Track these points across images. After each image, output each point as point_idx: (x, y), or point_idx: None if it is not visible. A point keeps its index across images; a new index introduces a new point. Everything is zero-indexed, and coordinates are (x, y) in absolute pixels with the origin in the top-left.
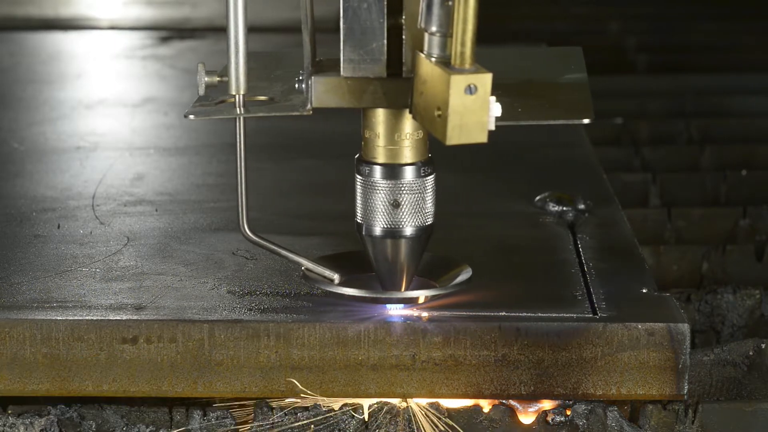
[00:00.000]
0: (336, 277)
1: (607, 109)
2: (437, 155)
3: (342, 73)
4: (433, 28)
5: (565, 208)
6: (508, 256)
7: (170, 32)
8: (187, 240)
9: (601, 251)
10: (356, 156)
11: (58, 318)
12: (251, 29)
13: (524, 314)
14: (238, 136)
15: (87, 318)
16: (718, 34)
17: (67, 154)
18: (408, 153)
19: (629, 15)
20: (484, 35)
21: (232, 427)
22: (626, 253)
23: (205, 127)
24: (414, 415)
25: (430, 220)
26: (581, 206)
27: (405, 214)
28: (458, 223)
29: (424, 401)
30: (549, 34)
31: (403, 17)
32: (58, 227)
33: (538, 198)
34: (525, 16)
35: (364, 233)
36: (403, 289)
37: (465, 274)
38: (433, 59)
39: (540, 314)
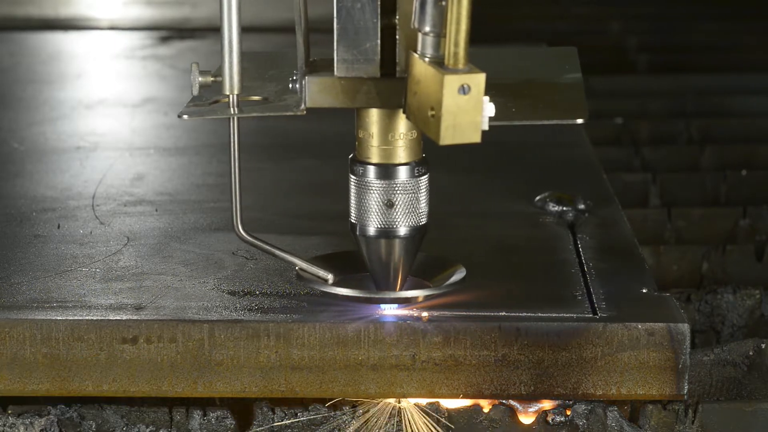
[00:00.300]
0: (330, 277)
1: (608, 109)
2: (438, 156)
3: (336, 73)
4: (427, 28)
5: (565, 208)
6: (508, 256)
7: (170, 32)
8: (186, 240)
9: (601, 251)
10: (350, 156)
11: (58, 318)
12: (250, 29)
13: (524, 314)
14: (231, 137)
15: (87, 318)
16: (719, 34)
17: (67, 154)
18: (402, 153)
19: (630, 15)
20: (484, 35)
21: (233, 428)
22: (626, 253)
23: (205, 127)
24: (411, 416)
25: (424, 220)
26: (581, 206)
27: (399, 214)
28: (458, 224)
29: (424, 401)
30: (549, 34)
31: (397, 17)
32: (58, 227)
33: (538, 198)
34: (525, 16)
35: (358, 233)
36: (397, 289)
37: (459, 274)
38: (427, 59)
39: (540, 314)
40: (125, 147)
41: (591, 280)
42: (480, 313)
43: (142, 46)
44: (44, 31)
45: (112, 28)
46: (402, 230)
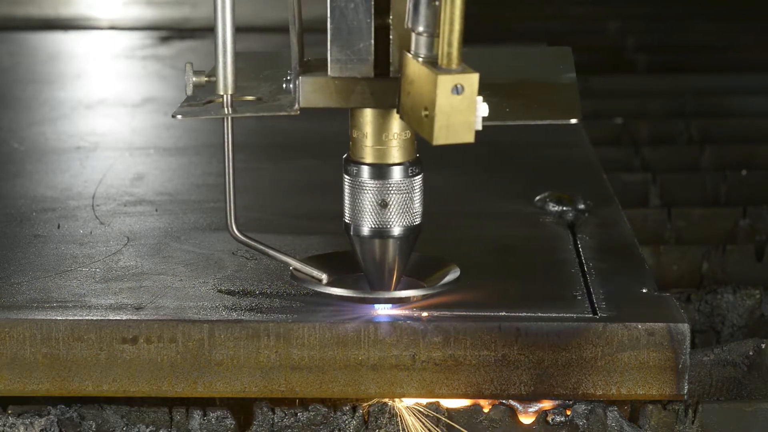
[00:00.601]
0: (324, 277)
1: (607, 109)
2: (433, 156)
3: (329, 73)
4: (420, 28)
5: (565, 208)
6: (508, 256)
7: (170, 32)
8: (187, 240)
9: (601, 251)
10: (344, 156)
11: (58, 318)
12: (248, 29)
13: (524, 314)
14: (225, 136)
15: (87, 318)
16: (717, 34)
17: (67, 154)
18: (396, 153)
19: (626, 15)
20: (477, 35)
21: (233, 428)
22: (626, 253)
23: (205, 127)
24: (404, 417)
25: (418, 220)
26: (581, 206)
27: (393, 214)
28: (459, 224)
29: (424, 401)
30: (545, 35)
31: (391, 17)
32: (58, 227)
33: (538, 198)
34: (520, 15)
35: (352, 233)
36: (391, 289)
37: (453, 274)
38: (420, 59)
39: (540, 314)
40: (125, 147)
41: (591, 280)
42: (480, 313)
43: (142, 46)
44: (44, 31)
45: (112, 28)
46: (396, 230)
